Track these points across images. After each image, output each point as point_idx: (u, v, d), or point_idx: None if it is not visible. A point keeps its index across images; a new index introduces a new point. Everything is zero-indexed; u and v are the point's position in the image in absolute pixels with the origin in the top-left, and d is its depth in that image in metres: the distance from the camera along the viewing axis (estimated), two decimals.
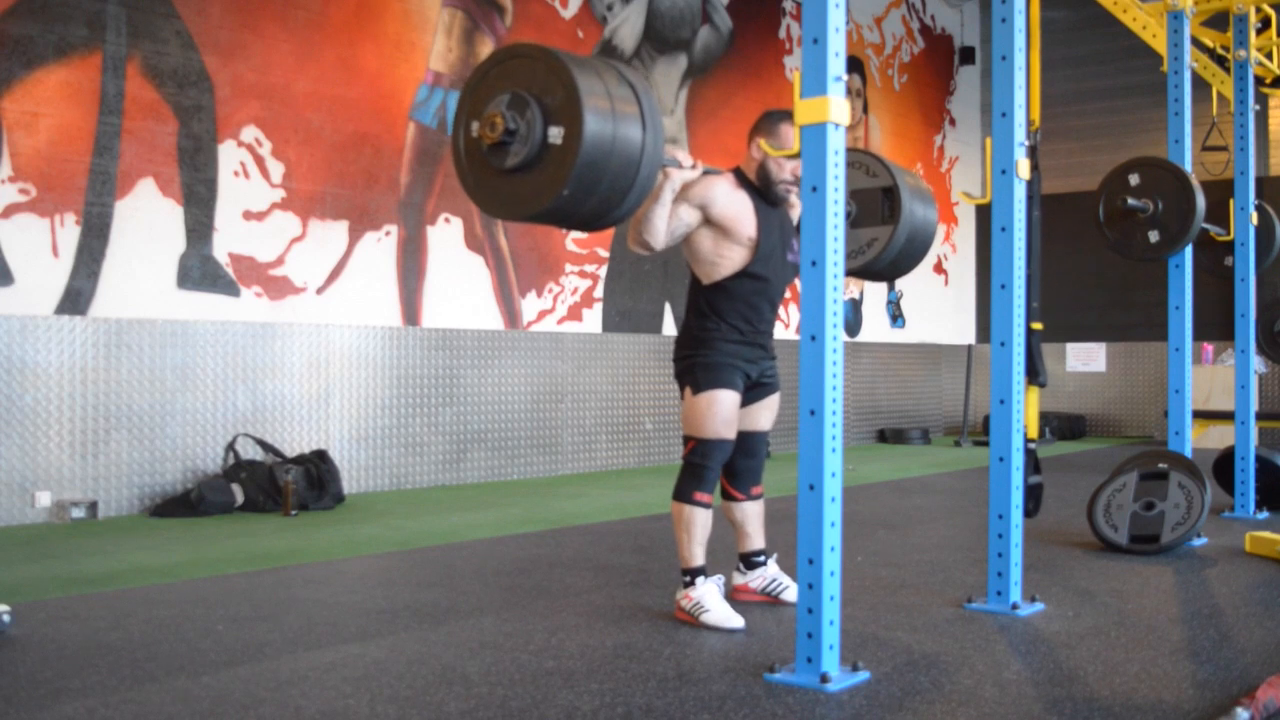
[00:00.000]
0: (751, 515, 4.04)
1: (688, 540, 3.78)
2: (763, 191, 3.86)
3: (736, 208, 3.80)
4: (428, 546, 5.30)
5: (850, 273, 4.07)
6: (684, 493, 3.79)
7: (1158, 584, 4.48)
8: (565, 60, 2.87)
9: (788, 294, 4.15)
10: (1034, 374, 4.43)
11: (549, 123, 2.87)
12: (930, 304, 12.81)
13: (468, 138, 3.03)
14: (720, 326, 3.82)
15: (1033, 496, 4.44)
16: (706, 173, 3.70)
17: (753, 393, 3.92)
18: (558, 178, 2.84)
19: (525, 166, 2.90)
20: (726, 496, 4.02)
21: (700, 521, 3.78)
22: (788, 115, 3.73)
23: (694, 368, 3.82)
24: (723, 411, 3.77)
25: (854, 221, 4.01)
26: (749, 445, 3.96)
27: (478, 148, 3.00)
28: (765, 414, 4.00)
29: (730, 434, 3.80)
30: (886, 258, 3.98)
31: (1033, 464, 4.44)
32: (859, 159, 4.04)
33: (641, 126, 2.92)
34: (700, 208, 3.76)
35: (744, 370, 3.85)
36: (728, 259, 3.82)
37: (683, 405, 3.85)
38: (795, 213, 3.90)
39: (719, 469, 3.83)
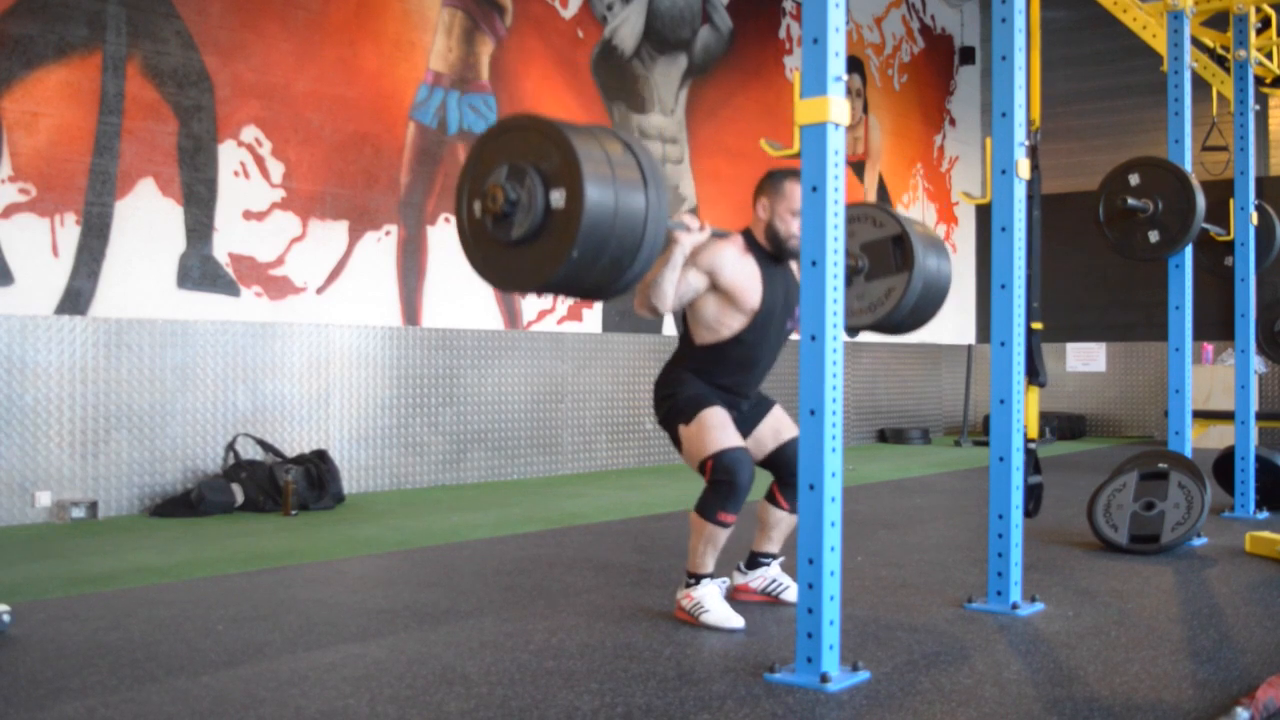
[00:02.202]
0: (785, 525, 3.98)
1: (702, 550, 3.73)
2: (772, 253, 3.83)
3: (744, 277, 3.76)
4: (428, 546, 5.30)
5: (871, 327, 4.01)
6: (709, 510, 3.68)
7: (1158, 584, 4.48)
8: (557, 124, 2.84)
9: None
10: (1034, 374, 4.43)
11: (549, 187, 2.83)
12: None
13: (471, 218, 2.98)
14: (704, 383, 3.81)
15: (1033, 496, 4.44)
16: (715, 235, 3.67)
17: (750, 416, 3.90)
18: (565, 241, 2.79)
19: (531, 235, 2.86)
20: (772, 500, 3.96)
21: (720, 539, 3.72)
22: (792, 173, 3.74)
23: (675, 405, 3.78)
24: (719, 422, 3.72)
25: (868, 274, 3.98)
26: (793, 457, 3.83)
27: (482, 225, 2.95)
28: (779, 423, 3.95)
29: (738, 441, 3.72)
30: (906, 305, 3.90)
31: (1033, 464, 4.44)
32: (864, 212, 3.99)
33: (643, 182, 2.89)
34: (708, 273, 3.73)
35: (725, 401, 3.81)
36: (727, 327, 3.79)
37: (681, 446, 3.78)
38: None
39: (746, 485, 3.67)
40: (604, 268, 2.87)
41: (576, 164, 2.77)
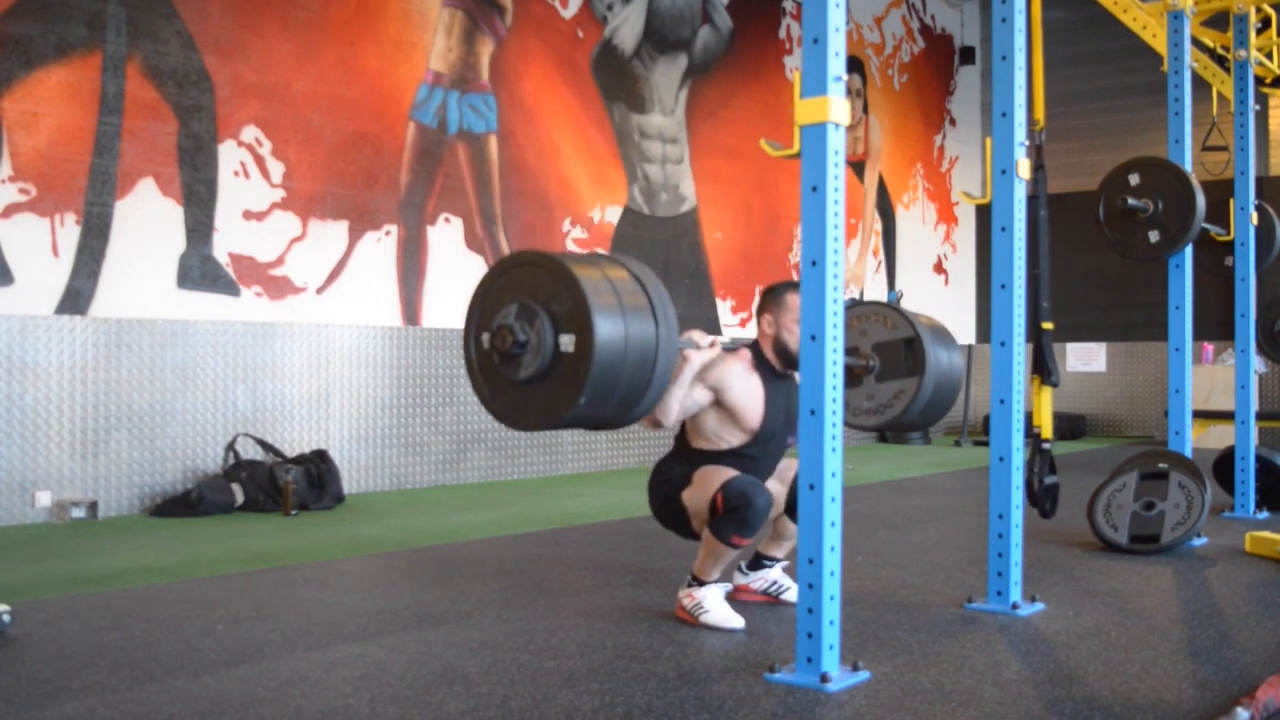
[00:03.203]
0: (793, 534, 3.98)
1: (710, 562, 3.71)
2: (778, 368, 3.83)
3: (747, 397, 3.76)
4: (428, 546, 5.30)
5: (879, 428, 4.02)
6: (723, 532, 3.62)
7: (1158, 584, 4.48)
8: (569, 265, 2.81)
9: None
10: (1047, 374, 4.42)
11: (559, 331, 2.80)
12: (930, 304, 12.80)
13: (480, 350, 2.96)
14: None
15: (1050, 497, 4.44)
16: (725, 349, 3.66)
17: None
18: (574, 386, 2.77)
19: (540, 376, 2.83)
20: (791, 515, 3.94)
21: (729, 557, 3.70)
22: (791, 285, 3.76)
23: (672, 482, 3.77)
24: (717, 468, 3.70)
25: (879, 375, 3.97)
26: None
27: (490, 360, 2.93)
28: (780, 470, 3.94)
29: (740, 471, 3.71)
30: (916, 408, 3.89)
31: (1049, 465, 4.44)
32: (877, 311, 3.99)
33: (654, 321, 2.86)
34: (713, 389, 3.73)
35: None
36: (725, 441, 3.80)
37: (687, 513, 3.73)
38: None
39: (763, 509, 3.59)
40: (614, 405, 2.85)
41: (587, 311, 2.73)
